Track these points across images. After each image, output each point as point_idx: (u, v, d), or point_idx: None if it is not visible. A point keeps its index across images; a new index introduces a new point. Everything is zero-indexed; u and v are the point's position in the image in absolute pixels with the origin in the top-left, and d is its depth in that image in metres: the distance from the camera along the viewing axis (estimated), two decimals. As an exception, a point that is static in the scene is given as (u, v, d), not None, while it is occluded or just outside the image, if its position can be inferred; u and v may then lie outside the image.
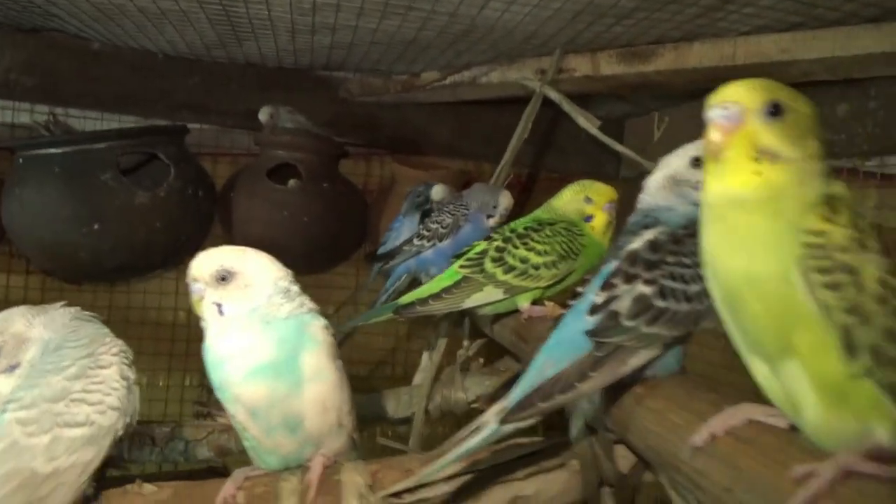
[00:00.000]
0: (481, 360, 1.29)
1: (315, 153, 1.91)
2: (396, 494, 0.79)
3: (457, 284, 1.09)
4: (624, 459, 0.83)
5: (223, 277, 0.83)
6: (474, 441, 0.72)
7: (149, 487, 0.79)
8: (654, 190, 0.84)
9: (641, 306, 0.74)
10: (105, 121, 2.00)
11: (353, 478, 0.80)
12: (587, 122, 1.46)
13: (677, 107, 2.08)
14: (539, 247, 1.10)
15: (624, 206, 2.27)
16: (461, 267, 1.11)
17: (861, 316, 0.55)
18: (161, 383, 2.04)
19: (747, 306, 0.60)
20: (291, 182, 1.90)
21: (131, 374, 0.90)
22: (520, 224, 1.18)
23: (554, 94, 1.52)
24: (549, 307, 1.10)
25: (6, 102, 1.92)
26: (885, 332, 0.55)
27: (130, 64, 1.91)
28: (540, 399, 0.71)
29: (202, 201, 1.82)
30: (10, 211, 1.67)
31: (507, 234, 1.14)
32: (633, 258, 0.77)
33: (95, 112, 1.99)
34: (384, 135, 2.14)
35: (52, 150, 1.65)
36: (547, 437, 0.87)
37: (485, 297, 1.08)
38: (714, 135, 0.62)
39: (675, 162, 0.84)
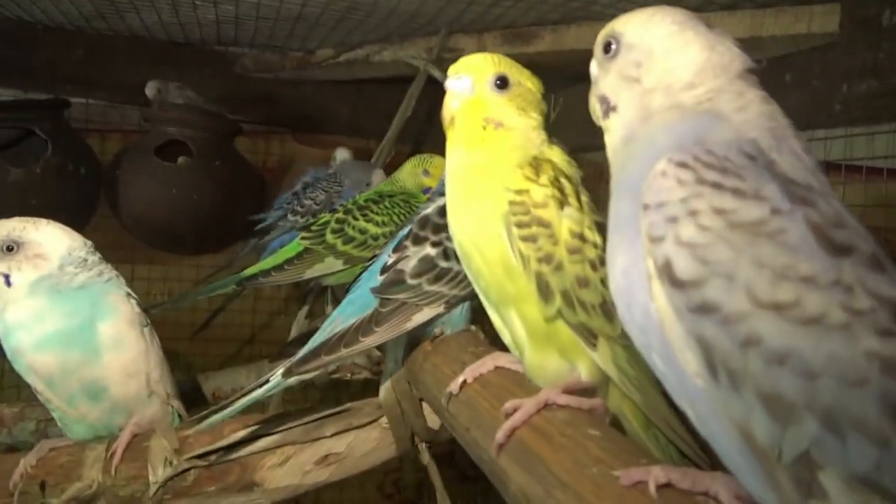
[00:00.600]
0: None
1: (206, 130, 1.87)
2: (203, 456, 0.80)
3: (299, 256, 1.11)
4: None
5: (9, 247, 0.82)
6: (259, 392, 0.74)
7: None
8: None
9: (426, 266, 0.78)
10: (-19, 94, 1.90)
11: (161, 443, 0.81)
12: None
13: (572, 87, 2.12)
14: (378, 217, 1.12)
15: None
16: (303, 238, 1.12)
17: (553, 264, 0.60)
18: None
19: (474, 262, 0.65)
20: (181, 159, 1.85)
21: None
22: (362, 197, 1.20)
23: (438, 73, 1.53)
24: None
25: None
26: (576, 278, 0.60)
27: (9, 35, 1.82)
28: (325, 352, 0.74)
29: (84, 179, 1.76)
30: None
31: (349, 206, 1.15)
32: (424, 222, 0.82)
33: (-30, 85, 1.89)
34: (282, 112, 2.11)
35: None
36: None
37: (325, 268, 1.09)
38: (450, 102, 0.67)
39: None
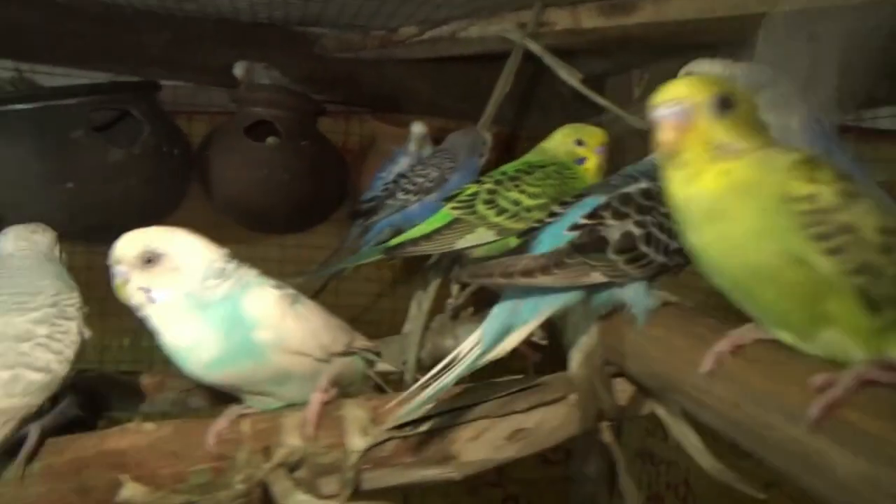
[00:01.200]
0: (471, 309, 1.30)
1: (293, 110, 1.88)
2: (400, 427, 0.80)
3: (448, 225, 1.09)
4: (622, 393, 0.84)
5: (149, 260, 0.78)
6: (462, 366, 0.72)
7: (149, 425, 0.79)
8: None
9: (627, 243, 0.76)
10: (73, 77, 1.94)
11: (355, 412, 0.81)
12: (569, 76, 1.45)
13: (656, 63, 2.07)
14: (531, 189, 1.10)
15: (608, 163, 2.29)
16: (453, 208, 1.11)
17: (872, 272, 0.54)
18: (145, 343, 2.03)
19: (763, 294, 0.59)
20: (270, 139, 1.87)
21: (86, 331, 0.90)
22: (511, 167, 1.18)
23: (535, 47, 1.50)
24: None
25: (-30, 58, 1.85)
26: None
27: (99, 17, 1.85)
28: (500, 274, 0.72)
29: (177, 159, 1.79)
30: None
31: (498, 176, 1.13)
32: (626, 199, 0.79)
33: (63, 68, 1.93)
34: (363, 92, 2.11)
35: (21, 106, 1.60)
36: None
37: (477, 239, 1.08)
38: (666, 135, 0.60)
39: None
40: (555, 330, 0.96)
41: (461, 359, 0.73)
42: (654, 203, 0.78)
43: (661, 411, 0.84)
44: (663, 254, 0.76)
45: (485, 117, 1.56)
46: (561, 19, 1.59)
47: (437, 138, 1.85)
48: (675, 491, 2.10)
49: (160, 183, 1.75)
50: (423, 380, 0.74)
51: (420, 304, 1.28)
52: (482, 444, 0.80)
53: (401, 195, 1.55)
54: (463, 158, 1.48)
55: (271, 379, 0.83)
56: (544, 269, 0.72)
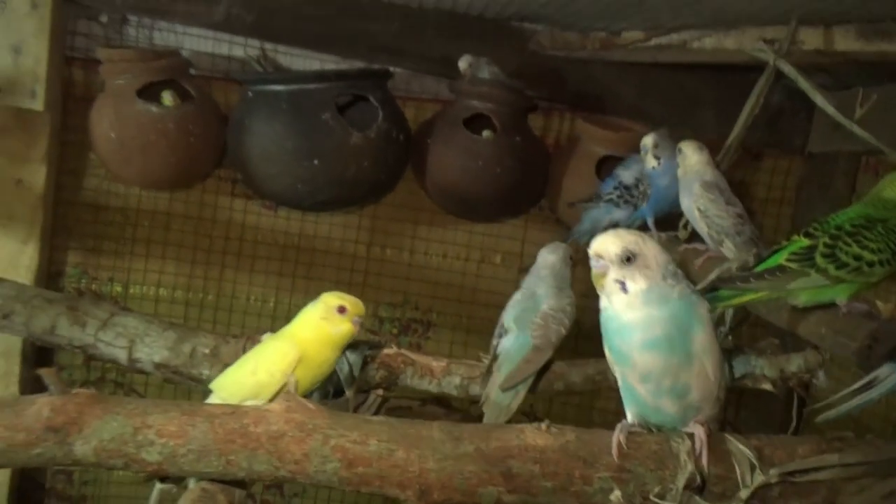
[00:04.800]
0: (775, 341, 1.32)
1: (509, 105, 1.95)
2: (791, 473, 0.84)
3: (781, 269, 1.11)
4: None
5: (628, 258, 0.90)
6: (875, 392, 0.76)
7: (555, 430, 0.88)
8: None
9: None
10: (308, 59, 2.09)
11: (742, 449, 0.86)
12: (825, 102, 1.42)
13: (881, 85, 1.98)
14: (873, 245, 1.10)
15: (811, 183, 2.22)
16: (788, 260, 1.12)
17: None
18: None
19: None
20: (486, 133, 1.95)
21: None
22: (845, 220, 1.16)
23: (789, 69, 1.48)
24: (884, 307, 1.11)
25: (224, 36, 2.03)
26: None
27: (338, 5, 1.99)
28: None
29: (401, 144, 1.90)
30: (240, 141, 1.80)
31: (833, 230, 1.14)
32: None
33: (299, 49, 2.08)
34: (567, 90, 2.14)
35: (281, 88, 1.75)
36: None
37: (810, 283, 1.09)
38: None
39: None
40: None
41: (882, 380, 0.76)
42: None
43: None
44: None
45: (732, 138, 1.56)
46: (811, 39, 1.55)
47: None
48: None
49: (386, 165, 1.88)
50: (846, 391, 0.77)
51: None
52: (862, 499, 0.83)
53: (622, 205, 1.64)
54: (665, 161, 1.58)
55: (677, 386, 0.90)
56: None
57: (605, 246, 0.91)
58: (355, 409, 1.15)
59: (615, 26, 1.93)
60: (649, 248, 0.92)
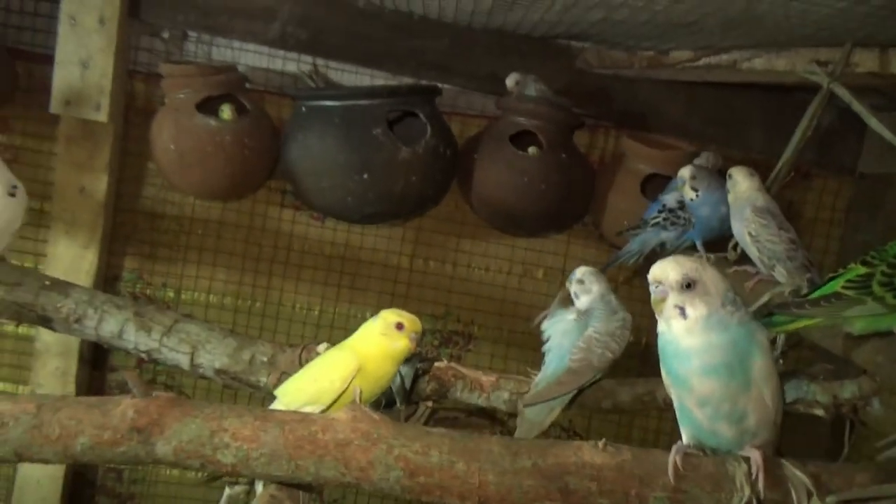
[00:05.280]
0: (829, 367, 1.32)
1: (554, 122, 1.97)
2: (846, 501, 0.85)
3: (836, 296, 1.11)
4: None
5: (688, 285, 0.91)
6: None
7: (611, 448, 0.90)
8: None
9: None
10: (358, 75, 2.14)
11: (798, 475, 0.87)
12: (879, 126, 1.41)
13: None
14: None
15: (861, 204, 2.20)
16: (844, 287, 1.13)
17: None
18: (383, 321, 2.22)
19: None
20: (532, 149, 1.97)
21: None
22: None
23: (843, 92, 1.47)
24: None
25: (278, 52, 2.10)
26: None
27: (389, 23, 2.04)
28: None
29: (448, 160, 1.94)
30: (293, 154, 1.86)
31: (891, 258, 1.13)
32: None
33: (350, 66, 2.14)
34: (614, 108, 2.16)
35: (334, 103, 1.81)
36: None
37: (866, 311, 1.09)
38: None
39: None
40: None
41: None
42: None
43: None
44: None
45: (784, 160, 1.56)
46: (866, 62, 1.54)
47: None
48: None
49: (433, 180, 1.91)
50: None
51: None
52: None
53: (669, 227, 1.66)
54: (704, 191, 1.62)
55: (734, 412, 0.91)
56: None
57: (665, 272, 0.92)
58: (406, 420, 1.18)
59: (663, 45, 1.93)
60: (709, 275, 0.93)
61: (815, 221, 2.25)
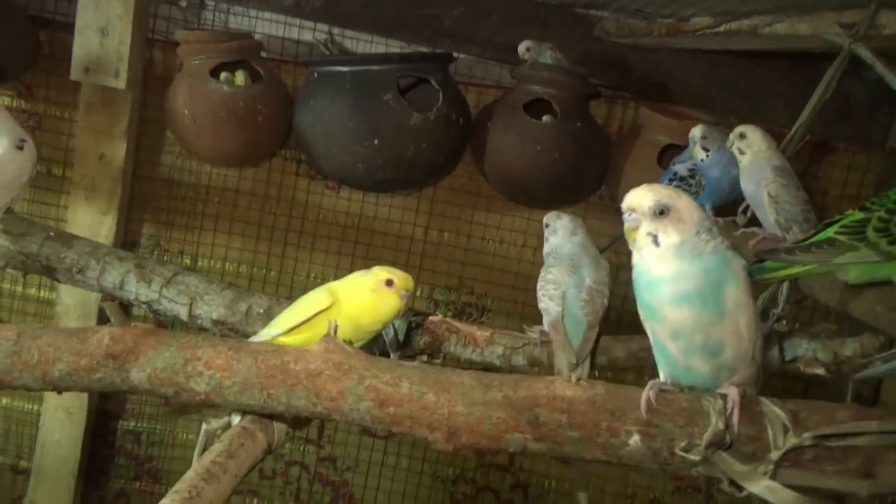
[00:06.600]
0: (796, 324, 1.29)
1: (569, 90, 1.93)
2: (827, 437, 0.83)
3: (828, 242, 1.08)
4: None
5: (661, 211, 0.89)
6: None
7: (584, 383, 0.89)
8: None
9: None
10: (374, 43, 2.13)
11: (775, 411, 0.85)
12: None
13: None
14: None
15: (892, 180, 2.12)
16: (838, 233, 1.10)
17: None
18: (395, 291, 2.22)
19: None
20: (546, 118, 1.94)
21: None
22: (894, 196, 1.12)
23: (866, 53, 1.42)
24: None
25: (294, 20, 2.10)
26: None
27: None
28: None
29: (461, 128, 1.92)
30: (305, 120, 1.86)
31: (891, 204, 1.10)
32: None
33: (366, 34, 2.13)
34: (633, 77, 2.11)
35: (344, 69, 1.80)
36: None
37: (859, 257, 1.06)
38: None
39: None
40: None
41: None
42: None
43: None
44: None
45: (798, 124, 1.50)
46: (893, 23, 1.48)
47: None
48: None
49: (445, 147, 1.90)
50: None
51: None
52: (903, 469, 0.80)
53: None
54: (715, 153, 1.57)
55: (708, 344, 0.89)
56: None
57: (638, 199, 0.90)
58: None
59: (683, 12, 1.88)
60: (683, 201, 0.90)
61: (842, 198, 2.17)
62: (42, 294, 2.14)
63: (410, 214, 2.22)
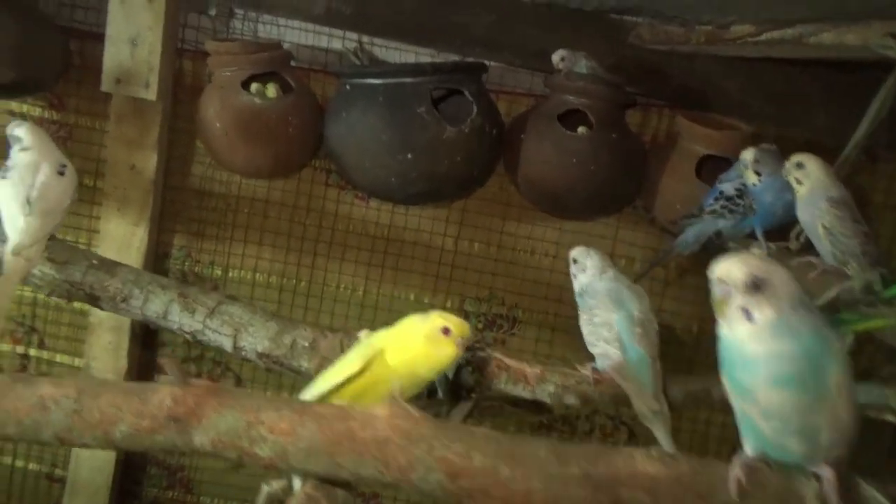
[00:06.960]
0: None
1: (605, 100, 1.89)
2: None
3: None
4: None
5: (756, 286, 0.84)
6: None
7: (666, 457, 0.85)
8: None
9: None
10: (404, 52, 2.11)
11: (877, 497, 0.81)
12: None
13: None
14: None
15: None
16: None
17: None
18: (426, 300, 2.21)
19: None
20: (582, 129, 1.91)
21: None
22: None
23: (921, 67, 1.36)
24: None
25: (323, 29, 2.08)
26: None
27: (434, -1, 1.99)
28: None
29: (494, 140, 1.89)
30: (337, 132, 1.84)
31: None
32: None
33: (395, 42, 2.10)
34: (669, 85, 2.07)
35: (377, 81, 1.78)
36: None
37: None
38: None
39: None
40: None
41: None
42: None
43: None
44: None
45: (854, 141, 1.46)
46: (945, 33, 1.42)
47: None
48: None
49: (479, 160, 1.87)
50: None
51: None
52: None
53: (727, 216, 1.58)
54: (767, 177, 1.53)
55: (804, 428, 0.85)
56: None
57: (730, 271, 0.85)
58: (449, 412, 1.16)
59: (723, 19, 1.83)
60: (779, 275, 0.85)
61: (884, 208, 2.12)
62: (76, 305, 2.14)
63: (440, 225, 2.20)
